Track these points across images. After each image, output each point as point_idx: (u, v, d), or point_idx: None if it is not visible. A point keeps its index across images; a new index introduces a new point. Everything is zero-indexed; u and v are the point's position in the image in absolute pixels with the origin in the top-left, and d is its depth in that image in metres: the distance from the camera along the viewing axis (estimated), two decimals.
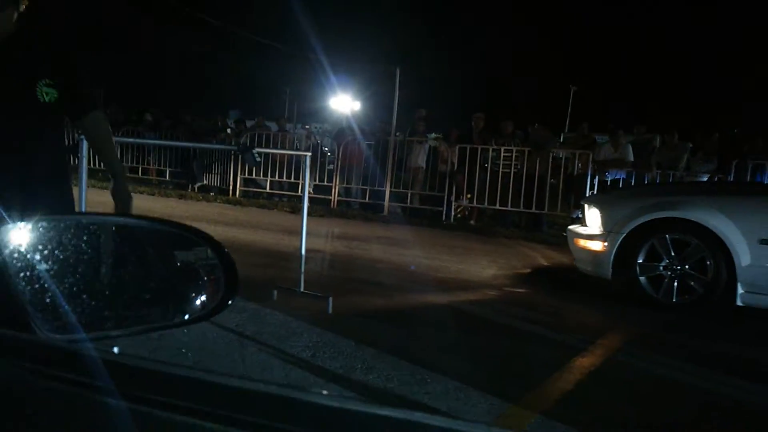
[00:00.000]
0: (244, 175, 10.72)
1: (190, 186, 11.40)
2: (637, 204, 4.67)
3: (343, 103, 17.32)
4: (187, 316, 0.94)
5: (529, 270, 5.89)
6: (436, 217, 9.08)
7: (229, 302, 0.89)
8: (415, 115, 9.84)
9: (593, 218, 4.86)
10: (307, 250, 6.13)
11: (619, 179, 8.16)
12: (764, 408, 2.88)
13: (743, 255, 4.22)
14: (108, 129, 2.16)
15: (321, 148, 10.49)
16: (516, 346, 3.49)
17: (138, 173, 12.46)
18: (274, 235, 6.79)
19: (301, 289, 3.98)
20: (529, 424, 2.43)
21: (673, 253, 4.45)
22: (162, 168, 12.18)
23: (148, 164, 12.45)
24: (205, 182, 11.43)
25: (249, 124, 12.12)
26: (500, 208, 8.60)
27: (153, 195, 10.47)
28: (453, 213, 9.08)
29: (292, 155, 10.06)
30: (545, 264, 6.30)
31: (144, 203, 9.36)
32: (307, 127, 11.40)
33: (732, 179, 7.62)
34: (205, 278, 0.95)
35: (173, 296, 0.96)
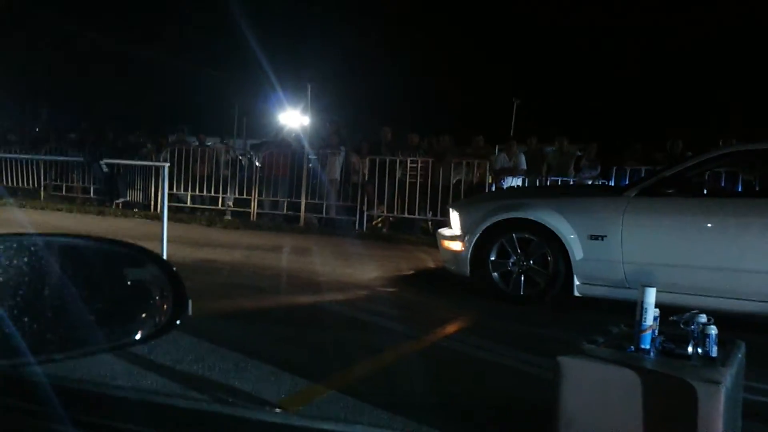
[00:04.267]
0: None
1: (114, 202, 11.48)
2: (489, 207, 5.12)
3: (292, 117, 17.75)
4: (135, 336, 0.93)
5: (412, 272, 6.27)
6: (351, 227, 9.42)
7: (178, 321, 0.89)
8: (328, 128, 10.21)
9: (455, 221, 5.28)
10: (203, 260, 6.43)
11: (514, 186, 8.69)
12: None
13: (577, 250, 4.69)
14: None
15: (240, 162, 10.76)
16: (351, 336, 3.84)
17: (62, 191, 12.48)
18: (176, 247, 6.96)
19: None
20: (317, 399, 2.75)
21: (519, 251, 4.89)
22: (86, 185, 12.23)
23: (73, 182, 12.46)
24: (128, 198, 11.53)
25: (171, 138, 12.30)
26: (408, 216, 9.03)
27: (72, 212, 10.50)
28: (366, 222, 9.45)
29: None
30: (431, 266, 6.70)
31: (58, 221, 9.42)
32: (225, 142, 11.58)
33: (613, 183, 8.25)
34: (156, 296, 0.94)
35: (121, 316, 0.94)
